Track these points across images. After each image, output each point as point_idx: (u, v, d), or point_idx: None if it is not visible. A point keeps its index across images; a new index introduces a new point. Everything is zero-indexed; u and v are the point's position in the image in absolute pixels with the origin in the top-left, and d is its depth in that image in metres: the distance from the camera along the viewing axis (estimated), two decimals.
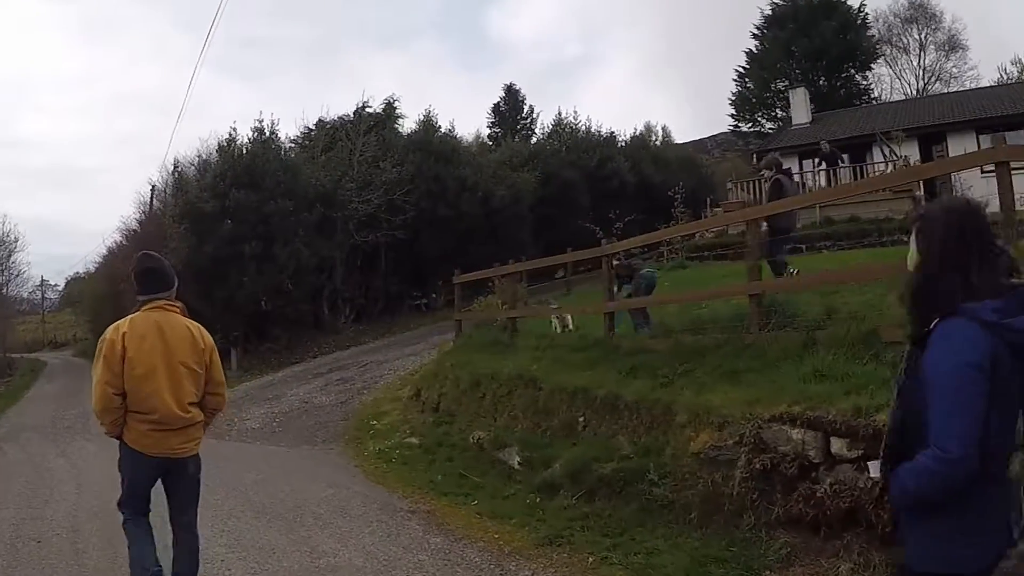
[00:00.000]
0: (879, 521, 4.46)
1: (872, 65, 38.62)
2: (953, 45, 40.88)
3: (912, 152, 21.22)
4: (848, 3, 37.32)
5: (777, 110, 38.69)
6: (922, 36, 41.15)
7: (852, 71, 36.96)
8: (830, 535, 4.87)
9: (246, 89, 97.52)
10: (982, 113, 23.02)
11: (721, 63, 79.45)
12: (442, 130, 24.83)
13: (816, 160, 21.85)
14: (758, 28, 39.42)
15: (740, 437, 5.62)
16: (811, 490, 4.97)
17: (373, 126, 22.71)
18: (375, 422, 12.24)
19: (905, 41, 41.48)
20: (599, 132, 30.84)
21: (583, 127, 30.32)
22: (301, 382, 16.32)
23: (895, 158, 20.49)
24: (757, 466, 5.36)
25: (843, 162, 21.64)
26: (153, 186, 25.78)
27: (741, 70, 40.18)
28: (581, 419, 7.92)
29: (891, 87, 41.20)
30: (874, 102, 35.23)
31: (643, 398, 7.11)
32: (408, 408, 12.30)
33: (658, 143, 34.03)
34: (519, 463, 8.15)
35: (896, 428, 2.30)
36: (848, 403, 5.01)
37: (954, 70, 40.71)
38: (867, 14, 37.78)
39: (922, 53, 41.19)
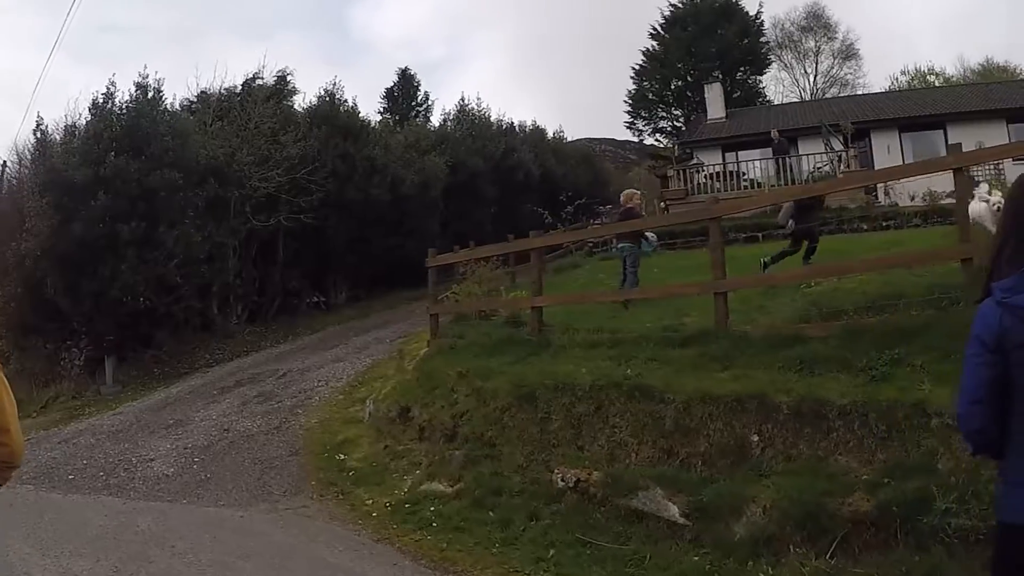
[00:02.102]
0: None
1: (767, 69, 38.97)
2: (848, 54, 41.83)
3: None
4: (746, 9, 37.52)
5: (674, 108, 38.04)
6: (817, 44, 41.94)
7: (749, 74, 36.75)
8: None
9: (103, 75, 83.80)
10: (901, 113, 23.26)
11: (597, 66, 78.78)
12: (348, 103, 20.36)
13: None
14: (658, 28, 38.48)
15: None
16: None
17: (270, 96, 17.88)
18: (343, 456, 8.50)
19: (802, 48, 42.28)
20: (502, 121, 27.39)
21: (486, 115, 26.78)
22: (207, 400, 11.74)
23: (842, 149, 19.38)
24: None
25: (791, 153, 20.70)
26: (3, 163, 19.46)
27: (639, 67, 39.05)
28: (755, 438, 5.32)
29: (781, 90, 41.90)
30: (769, 103, 35.20)
31: (867, 399, 4.94)
32: (389, 434, 8.56)
33: (551, 138, 31.02)
34: (683, 513, 5.10)
35: None
36: None
37: (848, 76, 41.67)
38: (763, 21, 38.21)
39: (817, 60, 42.05)
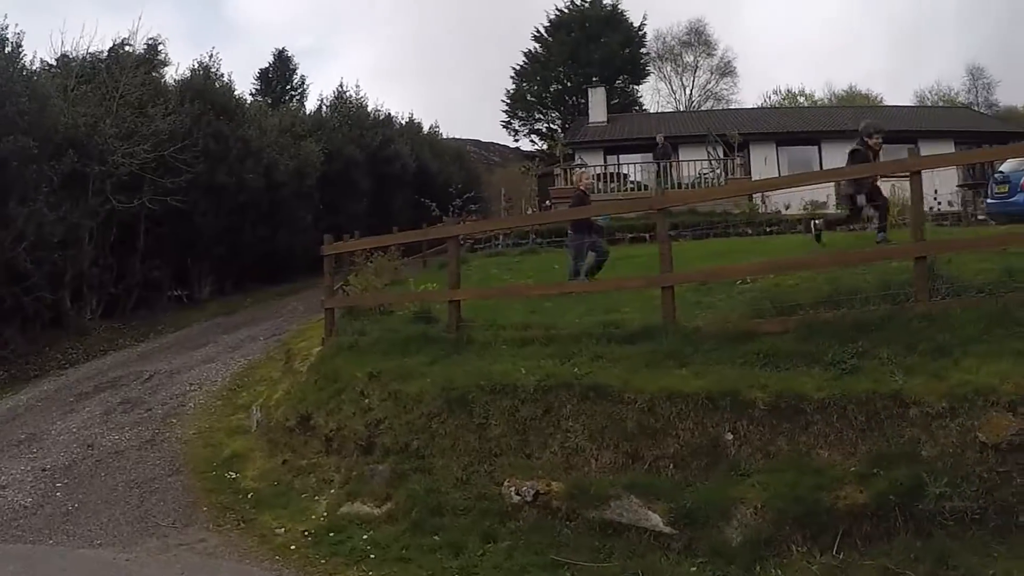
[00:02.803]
0: None
1: (646, 79, 39.98)
2: (726, 71, 43.71)
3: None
4: (631, 20, 38.27)
5: (551, 111, 38.01)
6: (696, 59, 43.52)
7: (628, 82, 37.41)
8: None
9: None
10: (780, 128, 24.53)
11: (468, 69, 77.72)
12: (224, 78, 18.22)
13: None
14: (542, 31, 38.39)
15: None
16: None
17: (139, 65, 15.46)
18: (235, 474, 7.27)
19: (682, 61, 43.70)
20: (379, 112, 25.91)
21: (364, 104, 25.17)
22: (64, 409, 9.77)
23: (727, 157, 19.72)
24: None
25: (673, 158, 20.95)
26: None
27: (519, 68, 38.92)
28: (730, 436, 5.03)
29: (658, 100, 43.28)
30: (645, 112, 36.10)
31: (843, 392, 4.86)
32: (286, 446, 7.36)
33: (426, 133, 29.80)
34: (667, 521, 4.70)
35: None
36: None
37: (724, 92, 43.56)
38: (646, 32, 39.20)
39: (695, 74, 43.55)
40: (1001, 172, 12.46)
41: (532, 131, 38.83)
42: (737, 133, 20.80)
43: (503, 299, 8.12)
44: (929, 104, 38.19)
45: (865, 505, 4.34)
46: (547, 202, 21.07)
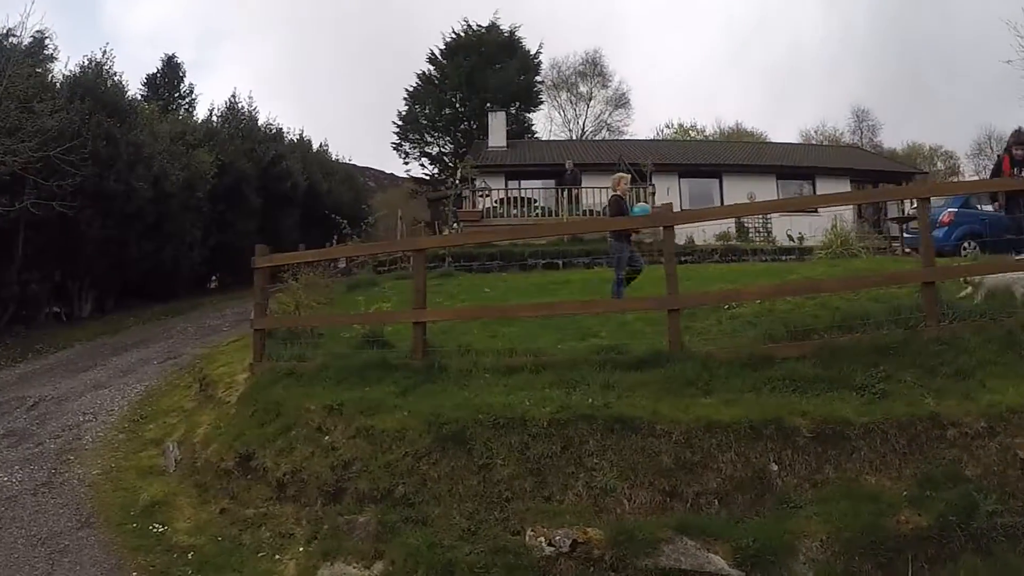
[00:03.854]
0: None
1: (540, 106, 39.50)
2: (620, 102, 43.84)
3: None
4: (528, 47, 37.76)
5: (441, 136, 36.96)
6: (591, 89, 43.52)
7: (522, 109, 36.82)
8: None
9: None
10: (683, 160, 24.86)
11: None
12: (117, 77, 15.85)
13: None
14: (437, 53, 37.07)
15: None
16: None
17: (25, 57, 13.01)
18: (161, 526, 5.81)
19: (576, 91, 43.61)
20: (271, 126, 23.96)
21: (255, 116, 23.13)
22: None
23: (639, 185, 19.74)
24: None
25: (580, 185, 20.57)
26: None
27: (412, 89, 37.32)
28: (775, 467, 4.64)
29: (552, 128, 43.04)
30: (537, 138, 35.75)
31: (884, 417, 4.68)
32: (222, 491, 6.06)
33: (316, 151, 27.88)
34: (733, 563, 4.12)
35: None
36: None
37: (618, 123, 43.70)
38: (541, 60, 38.75)
39: (589, 104, 43.53)
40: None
41: (423, 154, 37.54)
42: (651, 163, 20.84)
43: (473, 320, 7.21)
44: (815, 143, 40.15)
45: (928, 528, 4.12)
46: (454, 225, 20.21)
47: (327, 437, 5.44)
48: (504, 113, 28.63)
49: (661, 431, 4.75)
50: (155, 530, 5.51)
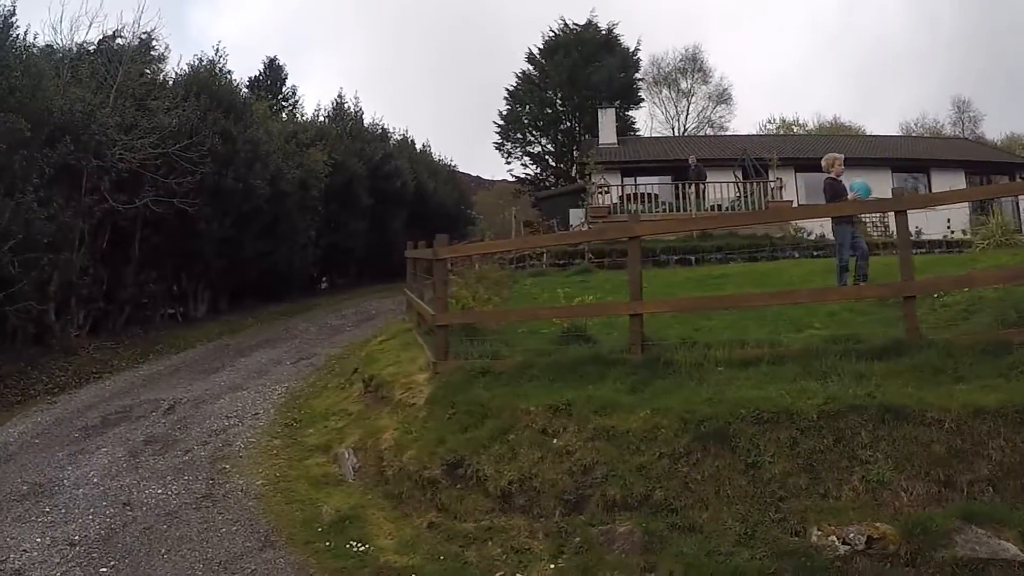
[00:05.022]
0: None
1: (642, 104, 39.79)
2: (722, 98, 44.18)
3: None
4: (626, 44, 38.13)
5: (544, 134, 37.49)
6: (691, 85, 43.85)
7: (624, 106, 36.76)
8: None
9: None
10: (798, 154, 24.21)
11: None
12: (231, 76, 16.61)
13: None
14: (536, 52, 37.87)
15: None
16: None
17: (135, 57, 13.64)
18: (360, 544, 5.51)
19: (677, 87, 43.86)
20: (376, 125, 24.51)
21: (361, 116, 23.75)
22: (72, 449, 7.88)
23: (770, 181, 19.70)
24: None
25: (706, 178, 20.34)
26: None
27: (512, 89, 38.13)
28: None
29: (654, 126, 43.62)
30: (639, 135, 36.00)
31: None
32: (426, 502, 5.77)
33: (420, 151, 28.45)
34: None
35: None
36: None
37: (720, 119, 44.12)
38: (640, 57, 39.21)
39: (689, 100, 43.88)
40: None
41: (525, 153, 38.07)
42: (776, 156, 20.39)
43: (685, 313, 6.86)
44: (914, 135, 39.37)
45: None
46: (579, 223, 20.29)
47: (556, 440, 5.22)
48: (613, 111, 28.67)
49: (931, 419, 4.63)
50: (354, 549, 5.27)
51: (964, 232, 18.63)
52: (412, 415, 6.71)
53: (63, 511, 6.09)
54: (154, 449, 7.73)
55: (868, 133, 36.38)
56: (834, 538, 4.12)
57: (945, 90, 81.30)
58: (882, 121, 79.19)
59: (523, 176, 38.08)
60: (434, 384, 6.90)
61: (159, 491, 6.50)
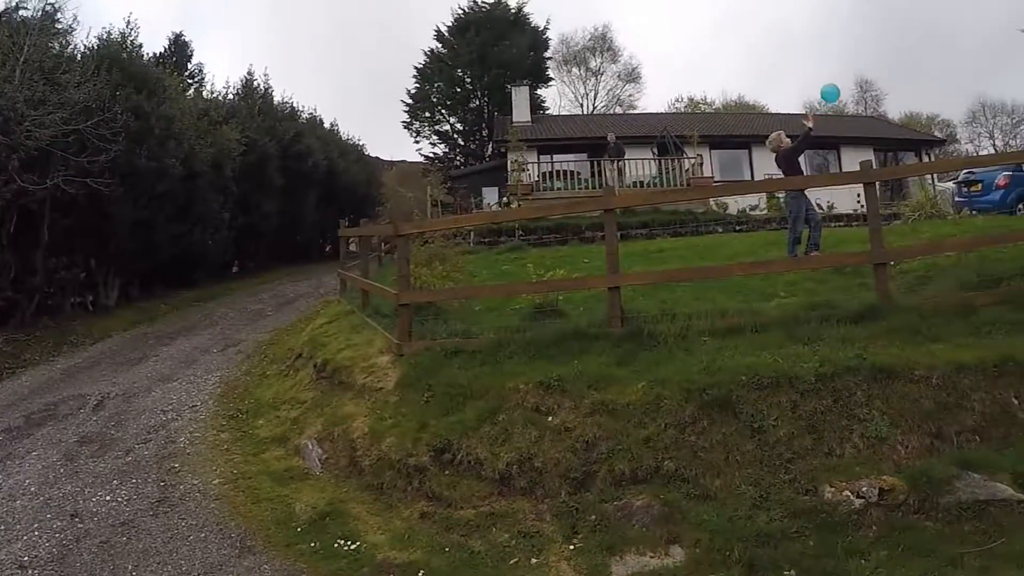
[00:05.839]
0: None
1: (550, 83, 39.52)
2: (631, 77, 44.36)
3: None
4: (536, 23, 37.74)
5: (453, 113, 36.69)
6: (600, 65, 43.73)
7: (533, 85, 36.30)
8: None
9: None
10: (710, 131, 24.72)
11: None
12: (142, 50, 15.00)
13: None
14: (445, 31, 36.88)
15: None
16: None
17: (40, 28, 12.03)
18: (348, 542, 5.10)
19: (586, 67, 43.68)
20: (286, 103, 23.19)
21: (271, 94, 22.35)
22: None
23: (690, 157, 19.93)
24: None
25: (624, 156, 20.46)
26: None
27: (421, 67, 36.94)
28: (1015, 401, 4.80)
29: (565, 105, 43.35)
30: (549, 113, 35.56)
31: None
32: (415, 492, 5.42)
33: (328, 129, 27.10)
34: (1018, 488, 4.27)
35: None
36: None
37: (629, 97, 44.24)
38: (549, 37, 38.85)
39: (599, 79, 43.84)
40: (972, 173, 14.77)
41: (435, 132, 37.17)
42: (696, 134, 20.80)
43: (661, 284, 6.80)
44: (819, 113, 41.41)
45: None
46: (494, 202, 19.85)
47: (550, 418, 5.00)
48: (527, 88, 28.27)
49: (919, 376, 4.86)
50: (344, 548, 4.82)
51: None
52: (382, 400, 6.26)
53: (2, 528, 5.30)
54: (91, 450, 6.91)
55: (772, 111, 37.49)
56: (848, 493, 4.23)
57: (845, 69, 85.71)
58: (786, 99, 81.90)
59: (432, 155, 37.23)
60: (402, 367, 6.47)
61: (107, 498, 5.78)
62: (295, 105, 24.26)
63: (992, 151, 45.62)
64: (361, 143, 32.05)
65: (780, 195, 16.46)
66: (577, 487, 4.64)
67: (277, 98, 22.80)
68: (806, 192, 8.87)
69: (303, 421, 7.05)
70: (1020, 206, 13.93)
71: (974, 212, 13.95)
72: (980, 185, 14.49)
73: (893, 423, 4.61)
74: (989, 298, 5.80)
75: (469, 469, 5.04)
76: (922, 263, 7.54)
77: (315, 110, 26.89)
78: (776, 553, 3.82)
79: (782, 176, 9.08)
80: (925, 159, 26.06)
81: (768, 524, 4.06)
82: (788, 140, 9.15)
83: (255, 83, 21.68)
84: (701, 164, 19.42)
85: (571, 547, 4.30)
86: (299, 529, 5.14)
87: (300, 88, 69.55)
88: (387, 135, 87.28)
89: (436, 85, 36.30)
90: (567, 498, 4.61)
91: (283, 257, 22.37)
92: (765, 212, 18.82)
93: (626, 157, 19.96)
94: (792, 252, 8.71)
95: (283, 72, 70.42)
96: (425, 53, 36.93)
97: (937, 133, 44.06)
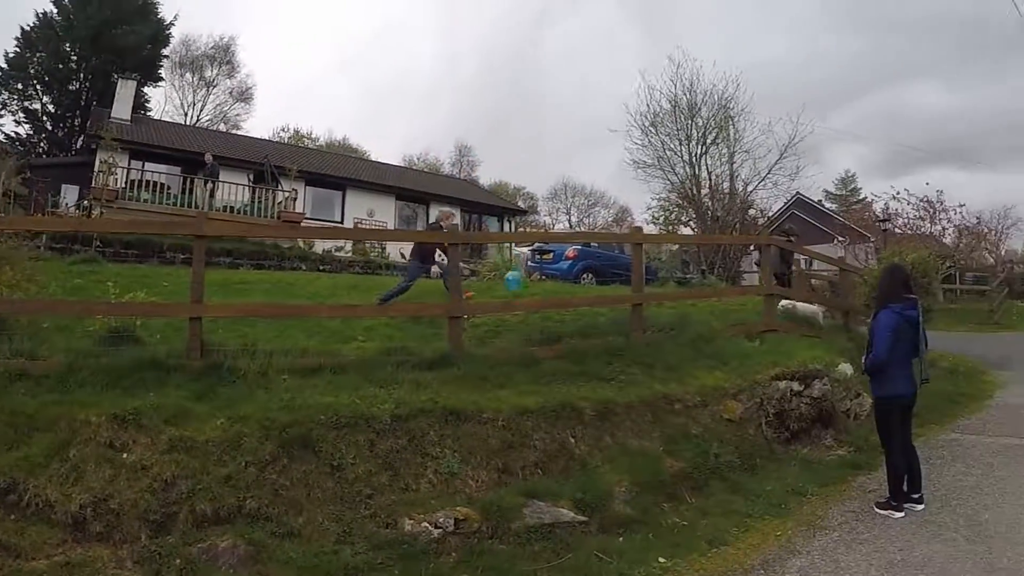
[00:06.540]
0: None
1: (161, 83, 35.42)
2: (245, 96, 41.73)
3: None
4: (162, 15, 33.48)
5: (44, 90, 30.66)
6: (215, 76, 40.46)
7: (144, 81, 31.60)
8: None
9: None
10: (309, 167, 24.60)
11: None
12: None
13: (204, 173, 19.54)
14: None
15: (760, 399, 7.00)
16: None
17: None
18: None
19: (202, 74, 40.06)
20: None
21: None
22: None
23: (284, 191, 19.77)
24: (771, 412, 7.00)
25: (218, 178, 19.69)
26: None
27: (29, 28, 30.52)
28: (572, 439, 5.89)
29: (169, 110, 39.10)
30: (151, 116, 31.33)
31: (638, 399, 6.47)
32: None
33: None
34: (576, 511, 5.25)
35: (867, 344, 5.88)
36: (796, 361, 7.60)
37: (237, 117, 41.44)
38: (172, 34, 34.82)
39: (211, 90, 40.59)
40: (545, 243, 16.82)
41: (22, 109, 30.27)
42: (296, 169, 20.78)
43: (250, 318, 6.73)
44: (416, 168, 44.01)
45: (685, 468, 6.01)
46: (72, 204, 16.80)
47: (127, 455, 4.64)
48: (135, 82, 24.97)
49: (487, 418, 5.56)
50: None
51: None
52: None
53: None
54: None
55: (373, 159, 39.08)
56: (426, 524, 4.67)
57: (449, 132, 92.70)
58: (388, 148, 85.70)
59: (14, 135, 30.27)
60: None
61: None
62: None
63: (567, 226, 54.74)
64: None
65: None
66: (158, 530, 4.41)
67: None
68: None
69: None
70: (584, 276, 15.66)
71: (544, 277, 15.55)
72: (552, 254, 16.27)
73: (464, 460, 5.20)
74: (551, 352, 6.78)
75: (38, 513, 4.37)
76: (494, 320, 8.58)
77: None
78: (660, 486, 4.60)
79: (375, 226, 10.12)
80: (507, 225, 29.69)
81: (353, 557, 4.38)
82: (456, 224, 10.19)
83: None
84: (295, 199, 19.63)
85: None
86: None
87: None
88: None
89: (39, 55, 29.96)
90: (148, 542, 4.33)
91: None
92: (350, 255, 19.54)
93: (220, 179, 19.12)
94: (385, 298, 9.34)
95: None
96: (37, 15, 30.34)
97: (521, 203, 50.85)
